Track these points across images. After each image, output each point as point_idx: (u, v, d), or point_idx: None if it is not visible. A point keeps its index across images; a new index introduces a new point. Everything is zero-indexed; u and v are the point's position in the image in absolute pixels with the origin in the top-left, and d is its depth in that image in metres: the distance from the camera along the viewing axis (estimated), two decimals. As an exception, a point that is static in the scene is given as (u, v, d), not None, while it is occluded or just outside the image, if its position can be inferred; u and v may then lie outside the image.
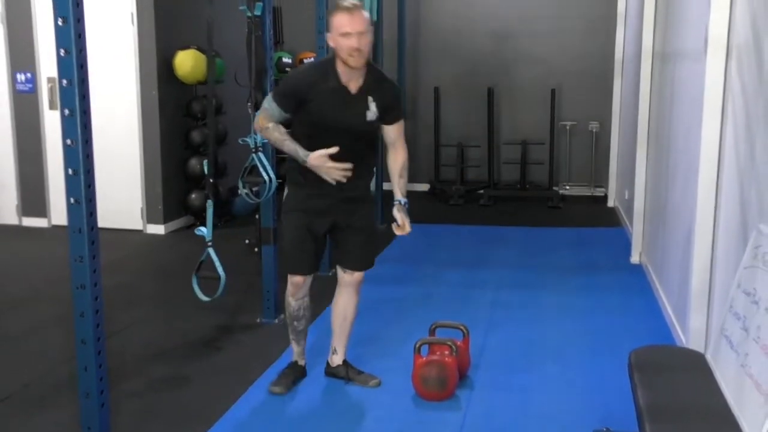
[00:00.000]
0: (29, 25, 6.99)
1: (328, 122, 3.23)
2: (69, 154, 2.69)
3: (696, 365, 2.70)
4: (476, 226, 7.48)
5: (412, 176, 9.02)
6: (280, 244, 3.57)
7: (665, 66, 5.28)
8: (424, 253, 6.46)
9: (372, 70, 3.26)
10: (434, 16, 9.27)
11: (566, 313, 4.77)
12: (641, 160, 5.90)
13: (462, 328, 3.69)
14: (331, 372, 3.67)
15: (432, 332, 3.69)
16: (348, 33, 3.05)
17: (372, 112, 3.25)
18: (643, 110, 5.88)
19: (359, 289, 3.60)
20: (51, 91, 7.05)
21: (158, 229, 7.04)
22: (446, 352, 3.47)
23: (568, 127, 9.06)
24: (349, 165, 3.18)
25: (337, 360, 3.66)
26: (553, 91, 8.72)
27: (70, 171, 2.69)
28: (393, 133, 3.40)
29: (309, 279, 3.47)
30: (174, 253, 6.44)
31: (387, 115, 3.32)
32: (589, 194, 9.06)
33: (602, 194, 8.89)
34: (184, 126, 7.19)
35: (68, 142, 2.69)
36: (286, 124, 3.39)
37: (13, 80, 7.12)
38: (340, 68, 3.18)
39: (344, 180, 3.20)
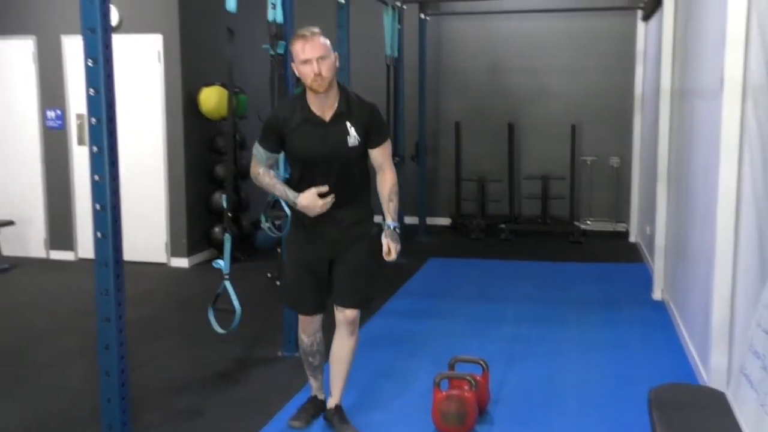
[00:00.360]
0: (59, 64, 7.19)
1: (311, 154, 3.17)
2: (97, 189, 2.77)
3: (716, 404, 2.69)
4: (497, 260, 7.49)
5: (433, 210, 9.20)
6: (283, 283, 3.55)
7: (683, 104, 5.31)
8: (445, 287, 6.48)
9: (345, 94, 3.20)
10: (455, 52, 9.38)
11: (587, 348, 4.75)
12: (662, 197, 5.90)
13: (481, 362, 3.70)
14: (325, 416, 3.55)
15: (452, 367, 3.70)
16: (307, 59, 3.03)
17: (352, 137, 3.16)
18: (662, 147, 5.90)
19: (354, 330, 3.39)
20: (79, 127, 7.22)
21: (182, 263, 7.13)
22: (466, 387, 3.48)
23: (588, 162, 9.08)
24: (329, 199, 3.16)
25: (331, 403, 3.52)
26: (573, 127, 8.77)
27: (97, 206, 2.77)
28: (379, 157, 3.27)
29: (317, 316, 3.43)
30: (197, 286, 6.51)
31: (369, 139, 3.22)
32: (611, 229, 9.04)
33: (624, 229, 8.87)
34: (209, 161, 7.31)
35: (96, 178, 2.77)
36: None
37: (44, 117, 7.31)
38: (311, 98, 3.15)
39: (325, 210, 3.17)
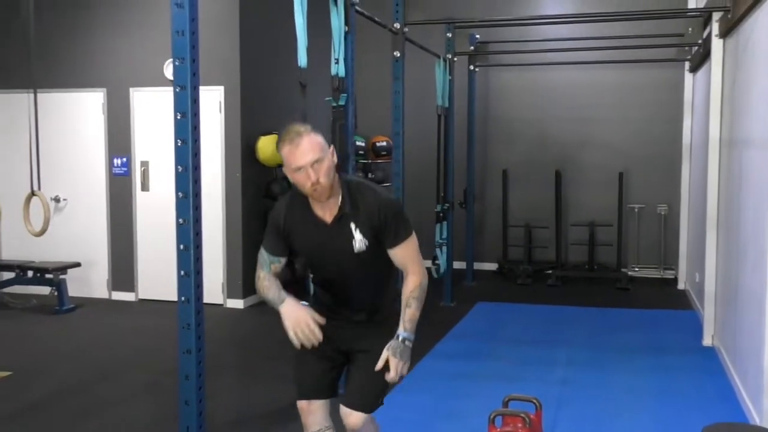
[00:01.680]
0: (127, 114, 7.60)
1: (315, 258, 2.80)
2: (181, 231, 3.01)
3: (768, 442, 2.78)
4: (544, 305, 7.58)
5: (481, 255, 9.34)
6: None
7: (732, 152, 5.43)
8: (494, 330, 6.59)
9: (351, 191, 2.72)
10: (503, 101, 9.62)
11: (637, 393, 4.82)
12: (711, 244, 5.98)
13: (535, 401, 3.81)
14: None
15: (505, 404, 3.81)
16: (299, 167, 2.58)
17: (358, 241, 2.70)
18: (711, 195, 5.99)
19: None
20: (143, 174, 7.58)
21: (238, 304, 7.38)
22: (519, 425, 3.58)
23: (636, 210, 9.16)
24: (318, 336, 2.67)
25: None
26: (620, 174, 8.88)
27: (181, 246, 3.01)
28: (399, 257, 2.75)
29: (319, 405, 2.88)
30: (253, 326, 6.74)
31: (382, 239, 2.72)
32: (659, 276, 9.06)
33: (672, 276, 8.89)
34: (264, 206, 7.59)
35: (181, 221, 3.01)
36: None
37: (111, 164, 7.70)
38: (311, 198, 2.71)
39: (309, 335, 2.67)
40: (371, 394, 2.81)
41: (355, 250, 2.70)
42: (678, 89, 8.62)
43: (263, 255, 2.81)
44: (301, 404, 2.88)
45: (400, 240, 2.72)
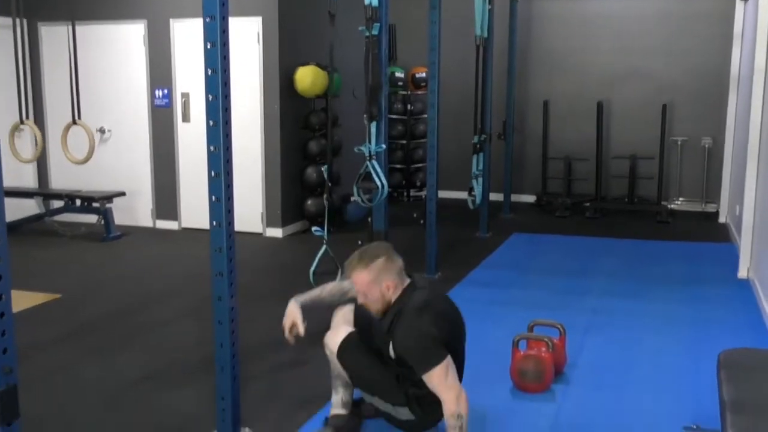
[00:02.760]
0: (167, 46, 7.69)
1: (366, 336, 3.23)
2: (212, 159, 3.11)
3: (784, 366, 2.82)
4: (581, 237, 7.60)
5: (519, 188, 9.35)
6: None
7: (776, 81, 5.30)
8: (528, 261, 6.66)
9: (396, 314, 2.99)
10: (544, 32, 9.45)
11: (667, 321, 4.87)
12: (751, 175, 5.89)
13: (559, 326, 3.90)
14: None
15: (530, 329, 3.92)
16: (356, 288, 3.10)
17: (391, 351, 3.01)
18: (754, 126, 5.88)
19: None
20: (184, 105, 7.71)
21: (276, 233, 7.56)
22: (543, 348, 3.69)
23: (679, 143, 9.01)
24: (299, 331, 3.24)
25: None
26: (664, 107, 8.71)
27: (212, 173, 3.11)
28: (428, 384, 2.91)
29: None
30: (291, 255, 6.92)
31: (409, 364, 2.96)
32: (700, 210, 8.96)
33: (713, 210, 8.79)
34: (302, 137, 7.69)
35: (212, 148, 3.11)
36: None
37: (152, 96, 7.84)
38: None
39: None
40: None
41: (390, 355, 3.03)
42: (728, 19, 8.36)
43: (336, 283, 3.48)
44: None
45: (421, 372, 2.90)
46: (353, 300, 3.34)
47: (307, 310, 3.34)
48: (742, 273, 5.93)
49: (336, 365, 3.25)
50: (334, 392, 3.31)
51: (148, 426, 3.42)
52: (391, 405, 3.16)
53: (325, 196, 4.81)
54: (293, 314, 3.30)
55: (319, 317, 3.43)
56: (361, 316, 3.32)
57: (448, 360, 2.89)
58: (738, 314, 5.03)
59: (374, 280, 3.00)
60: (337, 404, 3.30)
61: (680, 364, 4.11)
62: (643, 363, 4.13)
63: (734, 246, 6.93)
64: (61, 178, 8.22)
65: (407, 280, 3.10)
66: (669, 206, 8.82)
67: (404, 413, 3.14)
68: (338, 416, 3.28)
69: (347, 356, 3.23)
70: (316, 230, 4.53)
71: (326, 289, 3.44)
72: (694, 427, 3.17)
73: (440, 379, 2.86)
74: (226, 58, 3.07)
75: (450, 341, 2.99)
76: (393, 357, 3.01)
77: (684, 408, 3.51)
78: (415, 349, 2.91)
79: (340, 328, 3.31)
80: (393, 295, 3.03)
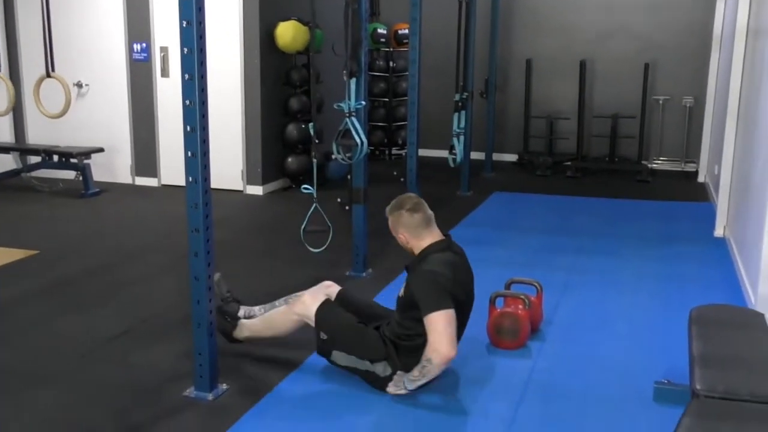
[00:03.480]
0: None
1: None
2: (188, 113, 3.07)
3: (754, 323, 2.88)
4: (562, 196, 7.63)
5: (501, 147, 9.34)
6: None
7: (758, 42, 5.29)
8: (508, 220, 6.69)
9: (422, 260, 3.23)
10: (528, -12, 9.36)
11: (642, 279, 4.92)
12: (729, 135, 5.92)
13: (536, 284, 3.94)
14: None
15: (507, 287, 3.95)
16: None
17: (402, 289, 3.28)
18: (734, 86, 5.89)
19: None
20: (163, 59, 7.59)
21: (257, 190, 7.53)
22: (520, 306, 3.72)
23: (661, 102, 9.02)
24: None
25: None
26: (646, 65, 8.70)
27: (188, 128, 3.07)
28: (428, 327, 3.08)
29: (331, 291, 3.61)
30: (272, 212, 6.90)
31: (414, 303, 3.15)
32: (680, 169, 9.02)
33: (693, 169, 8.85)
34: (283, 94, 7.61)
35: (187, 102, 3.06)
36: None
37: (130, 50, 7.70)
38: None
39: None
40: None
41: (398, 294, 3.31)
42: (711, -25, 8.30)
43: None
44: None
45: (426, 311, 3.06)
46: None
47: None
48: (719, 231, 6.00)
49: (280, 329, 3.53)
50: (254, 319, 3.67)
51: (126, 381, 3.43)
52: (369, 362, 3.25)
53: (312, 153, 4.79)
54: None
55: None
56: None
57: (453, 314, 3.05)
58: (713, 272, 5.09)
59: (393, 228, 3.35)
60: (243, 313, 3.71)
61: (654, 321, 4.17)
62: (618, 320, 4.18)
63: (712, 205, 6.99)
64: (39, 133, 8.10)
65: (438, 235, 3.32)
66: (649, 166, 8.87)
67: (381, 368, 3.22)
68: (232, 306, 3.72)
69: (326, 315, 3.34)
70: (305, 188, 4.53)
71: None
72: (665, 382, 3.22)
73: (441, 325, 3.01)
74: (201, 9, 3.02)
75: (459, 304, 3.14)
76: (402, 295, 3.25)
77: (656, 364, 3.56)
78: (427, 288, 3.10)
79: (316, 296, 3.44)
80: (413, 245, 3.29)
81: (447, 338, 3.01)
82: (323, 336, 3.34)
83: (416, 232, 3.28)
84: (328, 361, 3.40)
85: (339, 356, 3.33)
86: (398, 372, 3.20)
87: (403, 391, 3.17)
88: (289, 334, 3.56)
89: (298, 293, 3.68)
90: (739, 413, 2.15)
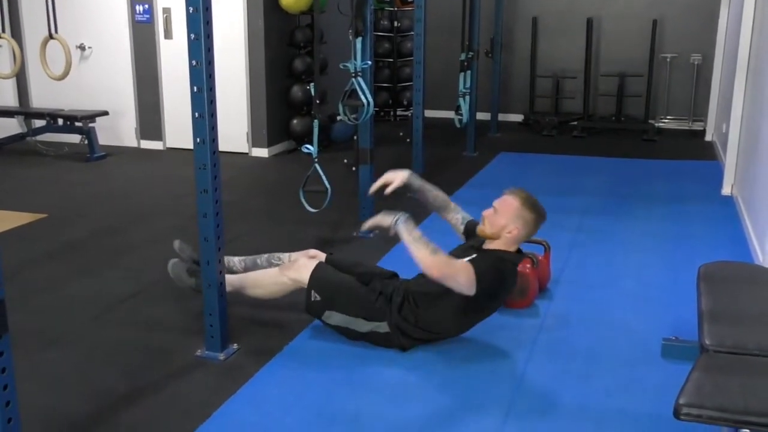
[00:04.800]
0: (146, -42, 7.45)
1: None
2: (194, 73, 3.05)
3: (762, 279, 2.89)
4: (568, 156, 7.60)
5: (506, 107, 9.28)
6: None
7: (767, -5, 5.21)
8: (514, 180, 6.58)
9: (492, 253, 3.23)
10: (534, -55, 9.21)
11: (650, 238, 4.93)
12: (738, 92, 5.87)
13: (543, 243, 3.94)
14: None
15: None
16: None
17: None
18: (744, 42, 5.82)
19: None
20: (165, 21, 7.52)
21: (262, 152, 7.51)
22: (527, 265, 3.73)
23: (668, 60, 8.93)
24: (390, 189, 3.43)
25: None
26: (654, 22, 8.59)
27: (195, 89, 3.06)
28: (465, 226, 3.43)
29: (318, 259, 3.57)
30: (278, 174, 6.90)
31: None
32: (687, 128, 8.96)
33: (701, 128, 8.79)
34: (288, 55, 7.55)
35: (194, 63, 3.04)
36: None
37: (133, 11, 7.63)
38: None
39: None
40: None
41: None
42: (722, -72, 8.15)
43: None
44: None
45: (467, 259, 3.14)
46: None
47: (412, 189, 3.49)
48: (726, 190, 5.98)
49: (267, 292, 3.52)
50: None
51: (137, 342, 3.46)
52: (363, 320, 3.28)
53: (313, 113, 4.76)
54: (398, 176, 3.41)
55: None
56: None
57: (472, 275, 3.05)
58: (720, 230, 5.09)
59: (508, 210, 3.23)
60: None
61: (662, 279, 4.18)
62: (626, 278, 4.20)
63: (719, 164, 6.96)
64: (42, 97, 8.08)
65: (519, 250, 3.31)
66: (656, 124, 8.81)
67: (384, 327, 3.26)
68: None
69: (321, 276, 3.37)
70: (305, 148, 4.51)
71: (439, 193, 3.56)
72: (674, 338, 3.25)
73: (462, 266, 3.06)
74: (205, -32, 2.98)
75: (492, 302, 3.24)
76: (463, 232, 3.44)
77: (664, 321, 3.58)
78: (486, 265, 3.12)
79: (308, 262, 3.44)
80: (503, 239, 3.23)
81: (447, 269, 3.02)
82: (316, 297, 3.35)
83: (519, 238, 3.27)
84: (319, 321, 3.42)
85: (332, 316, 3.33)
86: (402, 213, 3.12)
87: (387, 223, 3.11)
88: (277, 297, 3.55)
89: (281, 254, 3.69)
90: (748, 367, 2.17)
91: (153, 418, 2.82)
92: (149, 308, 3.87)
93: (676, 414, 1.95)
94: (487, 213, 3.28)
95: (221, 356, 3.27)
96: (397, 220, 3.09)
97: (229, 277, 3.54)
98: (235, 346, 3.36)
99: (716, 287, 2.75)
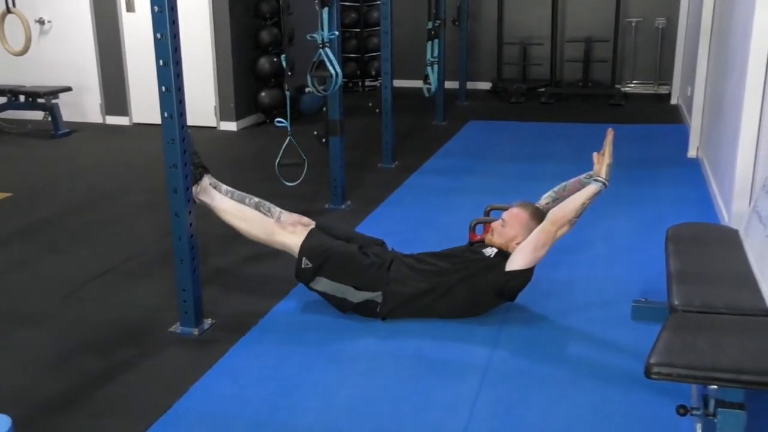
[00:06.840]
0: (104, -71, 7.27)
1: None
2: (159, 47, 3.01)
3: (728, 239, 2.94)
4: (536, 123, 7.64)
5: (474, 75, 9.28)
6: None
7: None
8: (483, 148, 6.69)
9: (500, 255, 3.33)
10: None
11: (618, 202, 4.97)
12: (703, 55, 5.92)
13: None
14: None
15: (487, 214, 3.98)
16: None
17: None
18: (707, 5, 5.86)
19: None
20: (127, -7, 7.37)
21: (231, 126, 7.44)
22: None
23: (633, 24, 8.97)
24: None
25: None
26: (619, -14, 8.61)
27: (161, 62, 3.02)
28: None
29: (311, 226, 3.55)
30: (247, 148, 6.84)
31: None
32: (653, 92, 9.04)
33: (666, 92, 8.87)
34: (253, 26, 7.45)
35: (158, 36, 3.00)
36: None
37: (92, -17, 7.47)
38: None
39: None
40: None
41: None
42: None
43: None
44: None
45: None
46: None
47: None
48: (692, 152, 6.06)
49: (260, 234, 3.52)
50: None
51: (111, 320, 3.44)
52: (354, 288, 3.29)
53: (285, 86, 4.73)
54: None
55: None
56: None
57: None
58: (687, 192, 5.17)
59: (520, 225, 3.40)
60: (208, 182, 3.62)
61: (631, 242, 4.25)
62: (596, 242, 4.25)
63: (685, 127, 7.04)
64: (3, 73, 7.88)
65: None
66: (623, 89, 8.88)
67: (378, 296, 3.29)
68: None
69: (314, 244, 3.38)
70: (278, 122, 4.47)
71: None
72: (643, 300, 3.31)
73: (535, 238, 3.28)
74: (167, -62, 2.92)
75: (500, 300, 3.39)
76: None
77: (634, 284, 3.64)
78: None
79: (301, 228, 3.47)
80: (512, 249, 3.34)
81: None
82: (307, 264, 3.35)
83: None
84: (306, 287, 3.41)
85: (322, 282, 3.34)
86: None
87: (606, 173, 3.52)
88: (253, 241, 3.56)
89: (271, 206, 3.63)
90: (716, 325, 2.22)
91: (130, 394, 2.82)
92: (121, 285, 3.84)
93: (647, 373, 2.00)
94: (495, 225, 3.45)
95: (195, 332, 3.27)
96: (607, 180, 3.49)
97: (218, 198, 3.56)
98: (210, 320, 3.36)
99: (684, 248, 2.81)
